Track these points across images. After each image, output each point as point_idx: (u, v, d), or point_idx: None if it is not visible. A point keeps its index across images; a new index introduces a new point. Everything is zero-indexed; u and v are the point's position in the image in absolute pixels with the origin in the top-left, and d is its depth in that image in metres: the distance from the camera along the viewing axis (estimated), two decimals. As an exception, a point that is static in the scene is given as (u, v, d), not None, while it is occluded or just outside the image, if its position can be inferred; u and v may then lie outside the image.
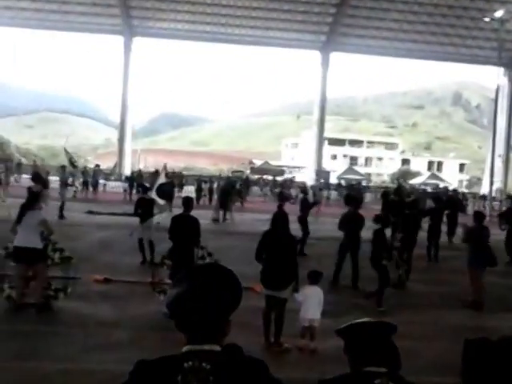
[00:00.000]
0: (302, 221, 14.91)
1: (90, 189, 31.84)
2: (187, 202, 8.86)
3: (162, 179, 16.28)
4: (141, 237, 11.99)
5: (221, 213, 21.82)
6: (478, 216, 10.65)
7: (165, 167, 19.03)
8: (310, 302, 6.99)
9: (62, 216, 18.39)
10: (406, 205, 13.86)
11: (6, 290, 8.05)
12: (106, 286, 9.54)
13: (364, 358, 2.22)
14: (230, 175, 43.66)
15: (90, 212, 21.33)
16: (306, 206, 15.54)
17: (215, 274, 1.84)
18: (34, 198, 8.28)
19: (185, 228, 8.29)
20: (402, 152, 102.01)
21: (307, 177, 52.13)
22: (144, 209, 12.06)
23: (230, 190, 23.20)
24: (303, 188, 21.84)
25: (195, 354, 1.74)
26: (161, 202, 12.28)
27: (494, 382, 2.55)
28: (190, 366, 1.71)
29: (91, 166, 41.42)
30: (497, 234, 14.61)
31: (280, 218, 7.39)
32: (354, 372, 2.25)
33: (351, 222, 11.26)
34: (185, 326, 1.79)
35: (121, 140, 48.39)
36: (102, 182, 34.54)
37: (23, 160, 47.12)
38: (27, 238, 7.79)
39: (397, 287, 10.64)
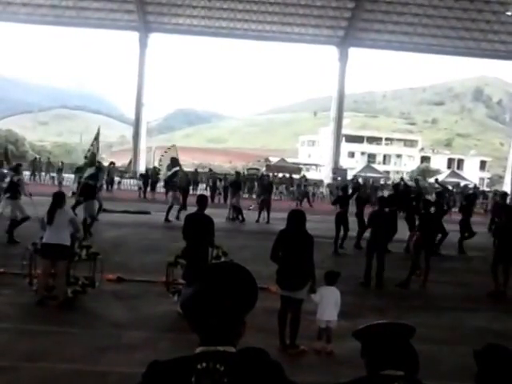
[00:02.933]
0: (358, 216, 15.89)
1: (105, 187, 31.94)
2: (202, 201, 8.71)
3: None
4: None
5: (230, 211, 21.22)
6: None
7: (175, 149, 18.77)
8: (327, 302, 6.84)
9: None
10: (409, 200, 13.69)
11: (34, 285, 8.36)
12: (119, 286, 9.45)
13: (381, 360, 2.18)
14: (246, 172, 43.47)
15: (104, 210, 21.28)
16: (360, 203, 16.80)
17: (231, 274, 1.80)
18: (61, 198, 8.52)
19: (199, 227, 8.13)
20: (422, 149, 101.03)
21: (324, 175, 51.88)
22: None
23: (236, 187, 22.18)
24: (356, 185, 22.10)
25: (209, 355, 1.70)
26: None
27: None
28: (204, 367, 1.68)
29: (106, 163, 41.67)
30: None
31: (296, 217, 7.18)
32: (370, 375, 2.20)
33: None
34: (199, 326, 1.76)
35: (136, 137, 48.42)
36: (116, 179, 34.60)
37: (37, 157, 47.34)
38: (57, 235, 8.07)
39: (402, 286, 10.47)
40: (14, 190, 13.75)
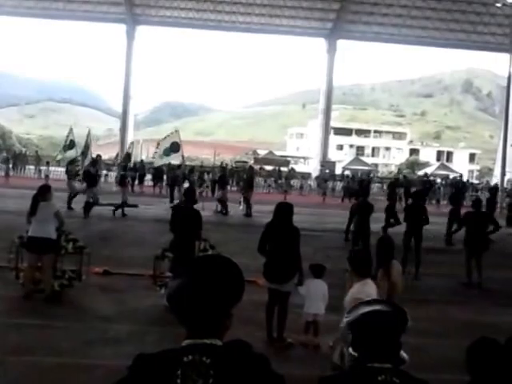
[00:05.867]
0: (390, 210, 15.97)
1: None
2: (189, 194, 8.65)
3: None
4: None
5: (217, 205, 21.18)
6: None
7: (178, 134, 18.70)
8: (314, 296, 6.83)
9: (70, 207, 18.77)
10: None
11: (20, 278, 8.38)
12: (106, 279, 9.41)
13: (370, 353, 2.14)
14: (233, 165, 43.41)
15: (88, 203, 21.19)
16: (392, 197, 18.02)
17: (217, 266, 1.79)
18: (46, 189, 8.47)
19: (186, 220, 8.09)
20: (411, 142, 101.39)
21: (312, 167, 51.87)
22: None
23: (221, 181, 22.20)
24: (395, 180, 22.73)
25: (196, 348, 1.70)
26: None
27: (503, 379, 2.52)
28: (190, 360, 1.67)
29: (93, 156, 41.43)
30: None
31: (283, 210, 7.15)
32: (357, 368, 2.17)
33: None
34: (185, 319, 1.75)
35: (123, 130, 48.17)
36: (103, 172, 34.34)
37: (24, 150, 47.08)
38: (42, 229, 8.03)
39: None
40: (92, 179, 18.23)
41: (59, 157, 24.40)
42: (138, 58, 48.63)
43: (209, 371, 1.65)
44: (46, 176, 32.69)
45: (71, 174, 20.52)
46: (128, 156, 32.00)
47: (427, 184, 32.12)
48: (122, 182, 20.67)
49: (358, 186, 23.63)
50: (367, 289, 4.91)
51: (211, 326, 1.73)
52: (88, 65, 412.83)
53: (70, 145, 21.66)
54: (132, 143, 37.30)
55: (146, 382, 1.69)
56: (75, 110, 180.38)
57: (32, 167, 39.33)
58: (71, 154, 21.94)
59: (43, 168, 36.92)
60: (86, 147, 21.12)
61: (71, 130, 22.08)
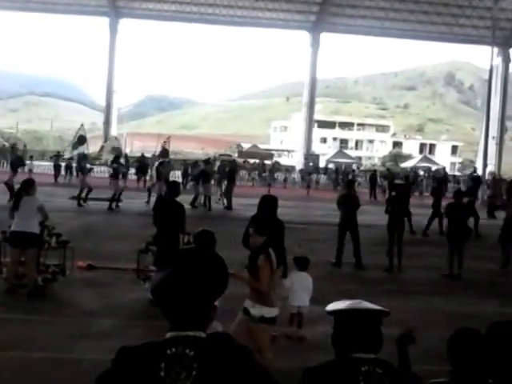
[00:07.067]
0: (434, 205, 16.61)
1: (74, 174, 31.85)
2: (173, 187, 8.62)
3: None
4: None
5: (200, 198, 21.06)
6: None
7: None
8: (298, 288, 6.86)
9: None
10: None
11: (4, 273, 8.37)
12: (90, 273, 9.37)
13: (352, 343, 2.20)
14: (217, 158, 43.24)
15: (74, 198, 21.06)
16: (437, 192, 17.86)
17: (200, 258, 1.79)
18: (29, 184, 8.40)
19: (170, 213, 8.07)
20: (394, 134, 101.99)
21: (296, 160, 51.90)
22: None
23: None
24: (443, 176, 23.33)
25: (179, 340, 1.69)
26: None
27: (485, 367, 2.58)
28: (174, 352, 1.66)
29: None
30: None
31: (268, 202, 7.16)
32: (340, 358, 2.22)
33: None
34: (169, 311, 1.74)
35: (106, 124, 47.74)
36: (87, 166, 34.15)
37: (7, 145, 46.45)
38: (25, 223, 7.97)
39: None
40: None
41: (67, 154, 24.24)
42: (121, 52, 48.21)
43: (192, 363, 1.65)
44: (30, 170, 32.43)
45: (84, 170, 20.30)
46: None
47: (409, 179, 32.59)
48: (114, 175, 20.51)
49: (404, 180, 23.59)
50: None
51: (195, 318, 1.73)
52: (71, 58, 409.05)
53: (80, 141, 21.52)
54: (116, 138, 37.13)
55: (130, 374, 1.67)
56: (58, 103, 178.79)
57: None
58: (82, 149, 21.73)
59: (27, 162, 36.55)
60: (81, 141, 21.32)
61: (82, 125, 22.04)
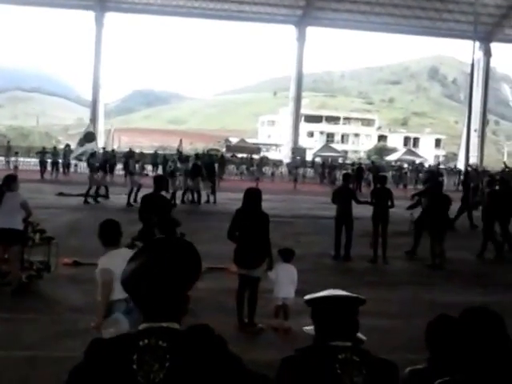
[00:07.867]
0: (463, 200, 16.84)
1: (61, 170, 31.70)
2: (160, 181, 8.61)
3: None
4: None
5: (188, 193, 21.01)
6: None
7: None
8: (283, 280, 6.88)
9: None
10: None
11: None
12: (76, 270, 9.27)
13: (330, 331, 2.21)
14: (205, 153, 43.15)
15: (61, 194, 20.96)
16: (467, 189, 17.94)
17: (171, 248, 1.77)
18: (12, 179, 8.25)
19: (155, 208, 8.05)
20: (379, 128, 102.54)
21: (283, 154, 51.96)
22: None
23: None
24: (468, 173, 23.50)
25: (152, 331, 1.66)
26: None
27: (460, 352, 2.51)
28: (146, 344, 1.63)
29: (62, 146, 40.92)
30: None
31: (252, 195, 7.18)
32: (318, 346, 2.23)
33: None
34: (141, 302, 1.72)
35: (93, 119, 47.36)
36: (73, 162, 33.96)
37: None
38: (8, 220, 7.81)
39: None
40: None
41: (74, 154, 24.02)
42: (107, 46, 47.88)
43: (165, 355, 1.62)
44: (15, 167, 32.24)
45: (93, 168, 20.15)
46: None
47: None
48: (91, 169, 20.38)
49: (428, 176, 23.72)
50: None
51: (168, 308, 1.71)
52: (57, 53, 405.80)
53: (87, 138, 21.30)
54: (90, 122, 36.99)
55: (102, 367, 1.65)
56: (44, 99, 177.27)
57: (1, 158, 38.45)
58: (90, 147, 21.43)
59: (12, 159, 36.30)
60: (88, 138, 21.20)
61: (91, 122, 21.79)
